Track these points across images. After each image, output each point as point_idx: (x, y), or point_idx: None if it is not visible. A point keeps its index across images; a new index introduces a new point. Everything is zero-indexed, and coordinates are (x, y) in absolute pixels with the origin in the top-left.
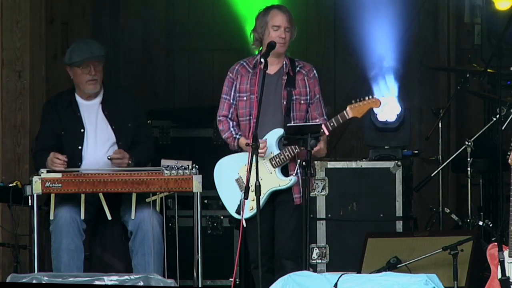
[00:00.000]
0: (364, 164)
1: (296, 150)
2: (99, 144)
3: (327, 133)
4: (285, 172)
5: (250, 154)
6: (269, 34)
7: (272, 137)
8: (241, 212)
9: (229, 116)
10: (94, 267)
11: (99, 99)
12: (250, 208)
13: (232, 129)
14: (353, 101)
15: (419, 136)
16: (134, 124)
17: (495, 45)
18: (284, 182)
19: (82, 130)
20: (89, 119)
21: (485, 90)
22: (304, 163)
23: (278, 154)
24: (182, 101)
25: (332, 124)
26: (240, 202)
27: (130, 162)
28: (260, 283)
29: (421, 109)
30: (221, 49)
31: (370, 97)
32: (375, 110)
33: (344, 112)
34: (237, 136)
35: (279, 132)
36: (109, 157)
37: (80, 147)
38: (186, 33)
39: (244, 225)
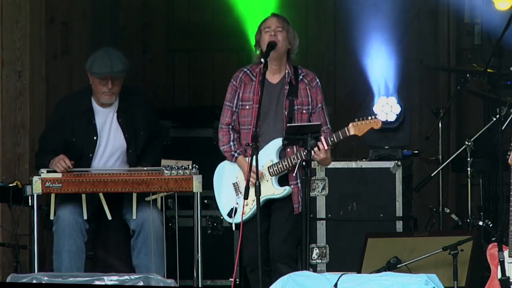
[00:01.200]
0: (364, 164)
1: (295, 161)
2: (109, 153)
3: (326, 147)
4: (284, 180)
5: (250, 155)
6: (263, 37)
7: (273, 146)
8: (235, 214)
9: (232, 124)
10: (96, 267)
11: (114, 106)
12: (242, 213)
13: (231, 143)
14: (356, 119)
15: (419, 136)
16: (146, 132)
17: (495, 45)
18: (278, 191)
19: (95, 138)
20: (103, 127)
21: (485, 90)
22: (304, 163)
23: (276, 163)
24: (182, 101)
25: (332, 139)
26: (233, 207)
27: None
28: (260, 285)
29: (421, 109)
30: (221, 49)
31: (373, 117)
32: (375, 110)
33: (346, 129)
34: (236, 155)
35: (279, 142)
36: None
37: (91, 155)
38: (186, 33)
39: (233, 229)
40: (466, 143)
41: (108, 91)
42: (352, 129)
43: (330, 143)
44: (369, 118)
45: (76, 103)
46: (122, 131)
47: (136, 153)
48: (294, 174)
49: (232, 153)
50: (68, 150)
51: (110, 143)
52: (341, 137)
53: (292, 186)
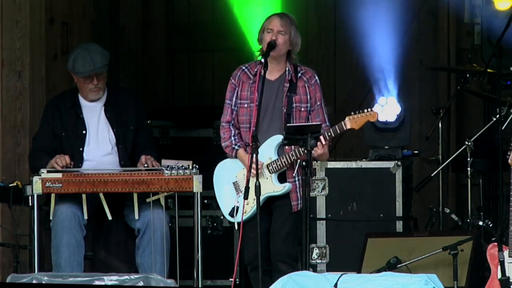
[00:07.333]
0: (364, 164)
1: (293, 158)
2: (100, 146)
3: (323, 142)
4: (283, 178)
5: (250, 154)
6: (264, 37)
7: (271, 143)
8: (237, 213)
9: (232, 122)
10: (96, 267)
11: (102, 101)
12: (243, 212)
13: (232, 138)
14: (352, 113)
15: (419, 136)
16: (135, 127)
17: (495, 45)
18: (278, 188)
19: (84, 132)
20: (91, 121)
21: (485, 90)
22: (304, 163)
23: (275, 160)
24: (182, 101)
25: (329, 134)
26: (234, 206)
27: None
28: (259, 284)
29: (421, 109)
30: (221, 49)
31: (369, 109)
32: (375, 110)
33: (342, 123)
34: (236, 147)
35: (278, 138)
36: (146, 166)
37: (81, 149)
38: (186, 33)
39: (236, 228)
40: (466, 143)
41: (95, 87)
42: (349, 122)
43: (328, 138)
44: (365, 111)
45: (63, 100)
46: (110, 126)
47: (127, 148)
48: (292, 171)
49: (233, 146)
50: (60, 146)
51: (100, 137)
52: (338, 131)
53: (290, 184)
